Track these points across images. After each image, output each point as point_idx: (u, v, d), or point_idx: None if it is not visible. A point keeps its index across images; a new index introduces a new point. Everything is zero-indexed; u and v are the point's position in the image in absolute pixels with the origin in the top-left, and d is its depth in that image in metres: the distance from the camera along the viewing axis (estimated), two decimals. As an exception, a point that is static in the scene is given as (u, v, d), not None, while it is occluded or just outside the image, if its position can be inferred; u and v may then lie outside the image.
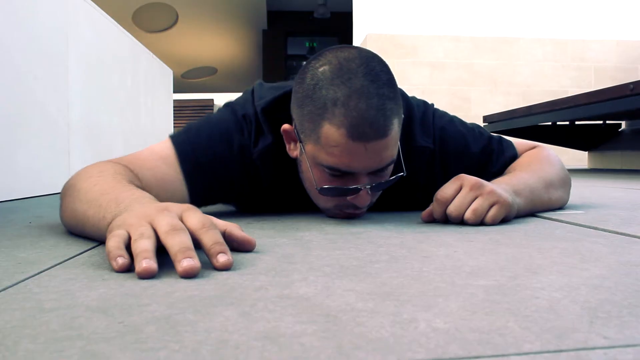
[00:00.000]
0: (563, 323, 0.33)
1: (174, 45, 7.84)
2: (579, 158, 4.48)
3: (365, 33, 4.57)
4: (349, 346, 0.30)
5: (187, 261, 0.48)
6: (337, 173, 0.77)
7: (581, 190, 1.57)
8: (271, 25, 8.25)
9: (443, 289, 0.42)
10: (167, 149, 0.85)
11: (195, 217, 0.55)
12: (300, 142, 0.80)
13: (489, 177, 0.94)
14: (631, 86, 2.35)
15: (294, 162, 0.87)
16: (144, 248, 0.50)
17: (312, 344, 0.30)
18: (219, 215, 0.98)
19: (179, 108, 5.86)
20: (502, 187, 0.81)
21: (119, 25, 2.44)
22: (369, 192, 0.79)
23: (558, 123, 3.69)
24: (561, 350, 0.29)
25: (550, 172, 0.94)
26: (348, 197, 0.80)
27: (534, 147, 1.04)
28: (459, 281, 0.45)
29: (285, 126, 0.83)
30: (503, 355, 0.28)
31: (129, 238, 0.53)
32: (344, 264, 0.52)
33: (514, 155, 1.00)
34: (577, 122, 3.75)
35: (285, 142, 0.85)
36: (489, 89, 4.58)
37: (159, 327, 0.33)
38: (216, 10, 7.35)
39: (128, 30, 2.61)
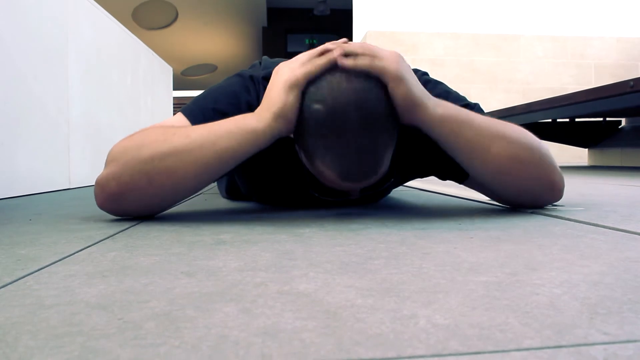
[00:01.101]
0: (563, 319, 0.33)
1: (174, 43, 7.84)
2: (578, 155, 4.48)
3: (365, 30, 4.56)
4: (349, 342, 0.30)
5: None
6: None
7: (581, 187, 1.57)
8: (271, 23, 8.24)
9: (443, 285, 0.42)
10: (180, 120, 0.86)
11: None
12: (296, 141, 0.80)
13: None
14: (631, 83, 2.35)
15: None
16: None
17: (312, 340, 0.30)
18: (223, 212, 0.98)
19: (179, 105, 5.85)
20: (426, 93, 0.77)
21: (118, 22, 2.44)
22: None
23: (558, 120, 3.69)
24: (561, 346, 0.29)
25: (499, 130, 0.81)
26: None
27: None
28: (459, 277, 0.45)
29: None
30: (503, 351, 0.28)
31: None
32: (344, 260, 0.52)
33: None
34: (577, 120, 3.75)
35: None
36: (489, 86, 4.58)
37: (159, 323, 0.33)
38: (216, 8, 7.34)
39: (128, 28, 2.61)
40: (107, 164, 0.79)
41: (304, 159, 0.81)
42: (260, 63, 0.98)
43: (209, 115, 0.84)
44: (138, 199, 0.79)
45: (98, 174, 0.80)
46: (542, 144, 0.86)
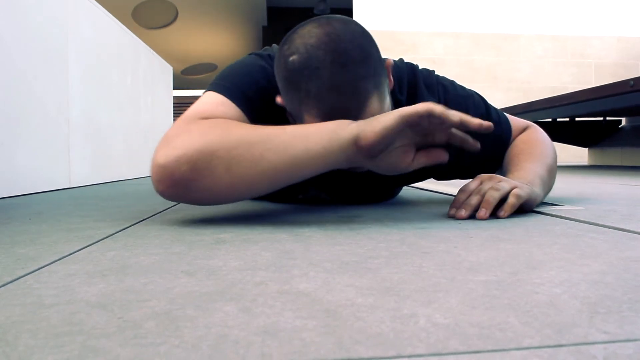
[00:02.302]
0: (563, 318, 0.33)
1: (174, 42, 7.83)
2: (579, 154, 4.48)
3: (365, 29, 4.56)
4: (349, 341, 0.30)
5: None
6: None
7: (581, 186, 1.57)
8: (271, 22, 8.24)
9: (443, 284, 0.42)
10: (215, 97, 0.81)
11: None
12: (291, 115, 0.82)
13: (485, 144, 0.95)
14: (631, 83, 2.35)
15: None
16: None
17: (312, 339, 0.30)
18: (223, 212, 0.98)
19: (179, 105, 5.85)
20: (519, 181, 0.84)
21: (118, 21, 2.44)
22: None
23: (558, 119, 3.69)
24: (561, 345, 0.29)
25: (550, 156, 0.97)
26: None
27: (526, 127, 1.06)
28: (459, 276, 0.45)
29: (278, 99, 0.83)
30: (503, 350, 0.28)
31: None
32: (344, 259, 0.52)
33: (508, 129, 1.02)
34: (577, 119, 3.75)
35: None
36: (489, 85, 4.58)
37: (159, 322, 0.33)
38: (216, 7, 7.34)
39: (128, 27, 2.61)
40: (169, 146, 0.71)
41: None
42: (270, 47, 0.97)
43: (246, 87, 0.82)
44: (210, 188, 0.71)
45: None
46: (546, 137, 1.04)
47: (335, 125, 0.72)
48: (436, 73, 1.01)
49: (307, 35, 0.75)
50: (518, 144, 1.01)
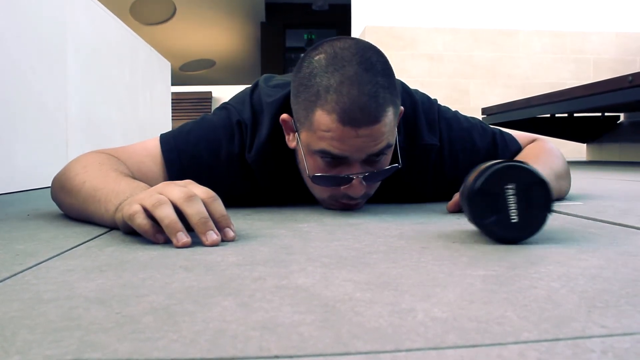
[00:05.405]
0: (561, 312, 0.33)
1: (172, 38, 7.81)
2: (577, 150, 4.48)
3: (363, 25, 4.55)
4: (347, 336, 0.30)
5: (212, 235, 0.57)
6: (328, 159, 0.77)
7: (580, 182, 1.57)
8: (269, 18, 8.22)
9: (441, 279, 0.42)
10: (156, 149, 0.88)
11: (198, 190, 0.60)
12: (297, 131, 0.81)
13: None
14: (630, 78, 2.34)
15: (292, 157, 0.87)
16: (171, 218, 0.56)
17: (310, 334, 0.30)
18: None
19: (177, 101, 5.84)
20: None
21: (117, 18, 2.43)
22: (363, 182, 0.79)
23: (556, 115, 3.68)
24: (559, 339, 0.29)
25: (557, 163, 0.97)
26: (342, 187, 0.80)
27: (534, 140, 1.06)
28: (457, 271, 0.45)
29: (284, 116, 0.84)
30: (501, 344, 0.28)
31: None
32: (343, 254, 0.52)
33: (518, 149, 1.02)
34: (575, 114, 3.75)
35: (285, 132, 0.86)
36: (488, 81, 4.57)
37: (157, 317, 0.33)
38: (214, 3, 7.32)
39: (126, 23, 2.60)
40: (66, 164, 0.83)
41: (303, 156, 0.81)
42: (252, 90, 0.93)
43: (185, 161, 0.86)
44: (62, 208, 0.85)
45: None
46: (555, 148, 1.03)
47: (107, 212, 0.67)
48: (438, 103, 0.98)
49: (337, 42, 0.78)
50: (525, 152, 1.01)
